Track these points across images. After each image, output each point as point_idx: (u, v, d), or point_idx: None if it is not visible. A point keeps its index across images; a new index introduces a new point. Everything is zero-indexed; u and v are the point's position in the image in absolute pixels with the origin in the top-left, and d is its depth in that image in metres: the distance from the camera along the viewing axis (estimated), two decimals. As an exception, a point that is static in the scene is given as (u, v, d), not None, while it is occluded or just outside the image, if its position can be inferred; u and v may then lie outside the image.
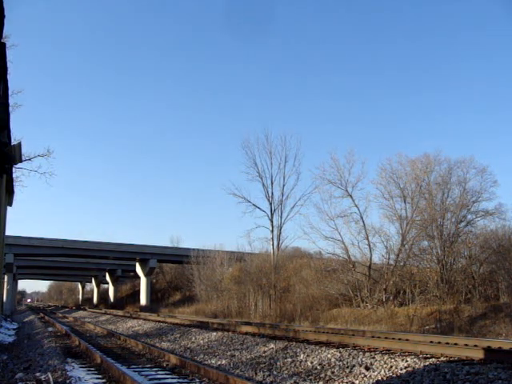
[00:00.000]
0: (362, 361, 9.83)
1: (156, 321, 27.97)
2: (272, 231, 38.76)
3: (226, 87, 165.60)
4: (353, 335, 15.45)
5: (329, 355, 10.68)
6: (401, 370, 8.80)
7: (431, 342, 13.10)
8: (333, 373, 9.37)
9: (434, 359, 9.51)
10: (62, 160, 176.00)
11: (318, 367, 9.96)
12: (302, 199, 38.31)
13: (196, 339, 16.55)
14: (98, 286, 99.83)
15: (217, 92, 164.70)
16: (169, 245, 71.14)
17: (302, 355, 11.14)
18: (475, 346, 11.86)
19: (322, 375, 9.29)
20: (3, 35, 10.79)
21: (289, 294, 34.41)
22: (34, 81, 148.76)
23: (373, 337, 15.22)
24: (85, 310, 61.35)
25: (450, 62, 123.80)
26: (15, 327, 30.36)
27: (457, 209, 28.65)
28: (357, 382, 8.62)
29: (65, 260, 77.11)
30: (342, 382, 8.72)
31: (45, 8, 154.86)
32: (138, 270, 67.04)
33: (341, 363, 9.92)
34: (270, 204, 39.12)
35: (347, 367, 9.56)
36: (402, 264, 28.99)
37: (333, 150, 47.89)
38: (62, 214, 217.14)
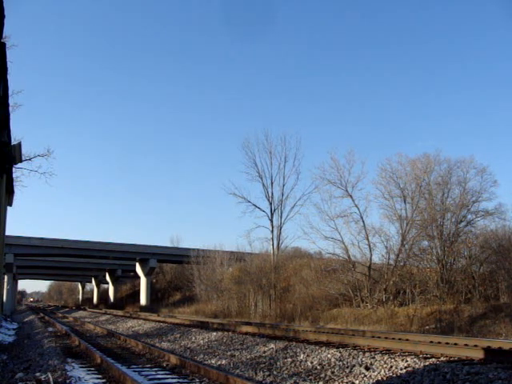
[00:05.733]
0: (361, 361, 9.82)
1: (156, 321, 27.97)
2: (272, 231, 38.85)
3: (226, 87, 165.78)
4: (353, 335, 15.45)
5: (329, 355, 10.67)
6: (401, 369, 8.80)
7: (431, 342, 13.09)
8: (333, 373, 9.37)
9: (434, 359, 9.51)
10: (62, 160, 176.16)
11: (318, 367, 9.96)
12: (301, 199, 38.45)
13: (196, 339, 16.55)
14: (97, 286, 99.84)
15: (217, 92, 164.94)
16: (169, 245, 71.23)
17: (302, 355, 11.13)
18: (475, 346, 11.85)
19: (322, 375, 9.29)
20: (3, 35, 10.77)
21: (289, 294, 34.41)
22: (33, 81, 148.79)
23: (373, 337, 15.22)
24: (85, 309, 61.34)
25: (450, 62, 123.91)
26: (15, 327, 30.34)
27: (457, 209, 28.64)
28: (357, 382, 8.62)
29: (65, 260, 77.12)
30: (342, 382, 8.71)
31: (44, 8, 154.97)
32: (138, 269, 67.04)
33: (341, 363, 9.92)
34: (270, 204, 39.23)
35: (347, 367, 9.55)
36: (402, 264, 28.98)
37: (333, 150, 47.79)
38: (62, 213, 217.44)
